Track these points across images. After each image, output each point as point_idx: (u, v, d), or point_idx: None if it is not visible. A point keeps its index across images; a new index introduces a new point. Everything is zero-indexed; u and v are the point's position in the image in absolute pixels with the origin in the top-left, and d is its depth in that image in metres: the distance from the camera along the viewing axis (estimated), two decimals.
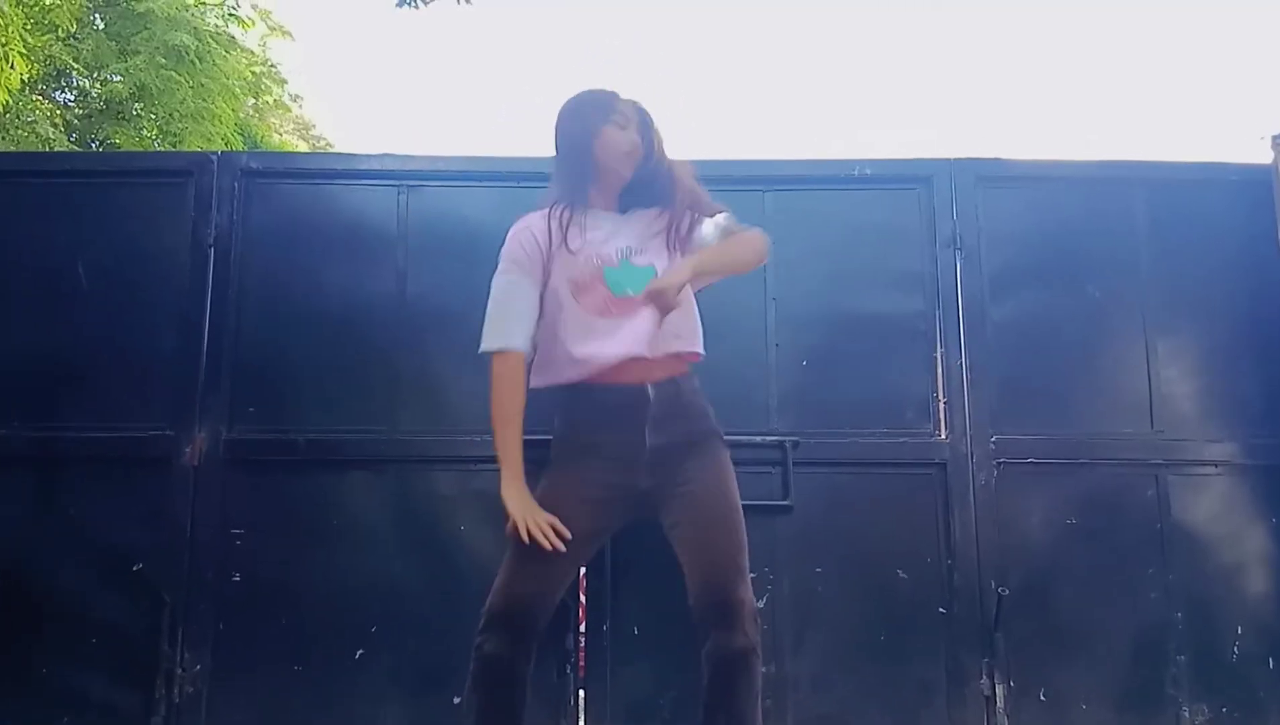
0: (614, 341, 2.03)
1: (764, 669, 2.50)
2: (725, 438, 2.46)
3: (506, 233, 2.19)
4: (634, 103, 2.15)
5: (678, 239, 2.16)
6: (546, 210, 2.13)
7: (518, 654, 1.99)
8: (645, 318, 2.03)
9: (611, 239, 2.10)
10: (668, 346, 2.08)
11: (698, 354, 2.18)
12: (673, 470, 2.01)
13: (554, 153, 2.17)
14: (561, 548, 1.98)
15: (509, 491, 2.04)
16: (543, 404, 2.16)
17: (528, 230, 2.12)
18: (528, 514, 1.99)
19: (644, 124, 2.12)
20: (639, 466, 2.02)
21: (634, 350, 2.02)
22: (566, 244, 2.07)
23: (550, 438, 2.15)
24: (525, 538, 1.97)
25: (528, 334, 2.09)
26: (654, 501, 2.05)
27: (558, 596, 2.06)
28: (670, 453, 2.03)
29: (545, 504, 2.02)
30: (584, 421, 2.06)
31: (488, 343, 2.09)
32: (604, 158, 2.09)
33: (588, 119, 2.11)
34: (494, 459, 2.54)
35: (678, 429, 2.05)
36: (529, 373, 2.11)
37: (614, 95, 2.14)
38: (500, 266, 2.12)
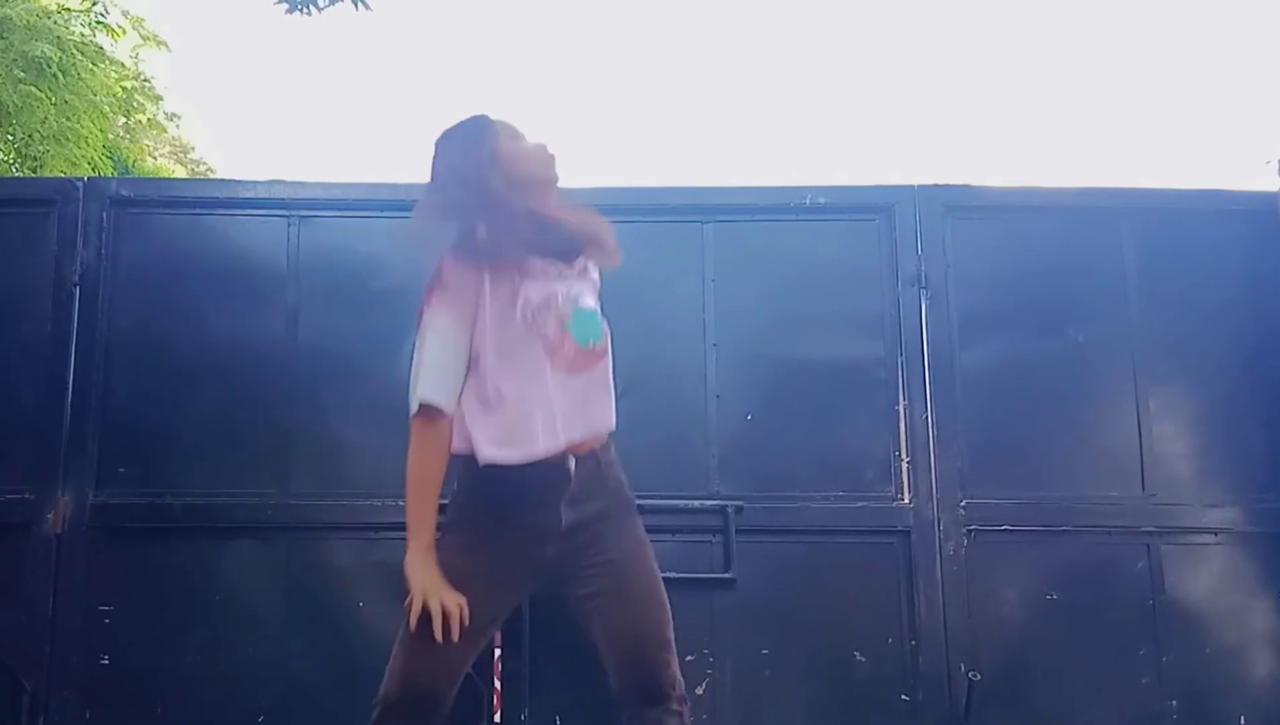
0: (598, 409, 1.92)
1: None
2: (659, 500, 2.39)
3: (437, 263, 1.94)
4: (508, 121, 2.01)
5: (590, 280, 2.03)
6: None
7: None
8: (605, 373, 1.94)
9: (555, 283, 1.92)
10: (606, 423, 1.97)
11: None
12: (585, 542, 1.90)
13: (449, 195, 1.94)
14: (456, 635, 1.81)
15: (416, 563, 1.85)
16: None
17: (479, 273, 1.87)
18: (436, 592, 1.81)
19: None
20: (550, 541, 1.89)
21: (609, 422, 1.95)
22: (528, 293, 1.86)
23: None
24: (435, 617, 1.79)
25: (458, 393, 1.88)
26: (562, 574, 1.91)
27: (457, 683, 1.89)
28: (584, 526, 1.91)
29: (453, 571, 1.85)
30: (499, 496, 1.88)
31: (424, 393, 1.84)
32: (521, 176, 1.92)
33: (479, 153, 1.91)
34: (397, 526, 2.41)
35: (594, 504, 1.92)
36: (483, 445, 1.87)
37: (484, 117, 1.97)
38: (434, 303, 1.86)
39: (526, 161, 1.92)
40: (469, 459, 1.91)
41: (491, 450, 1.85)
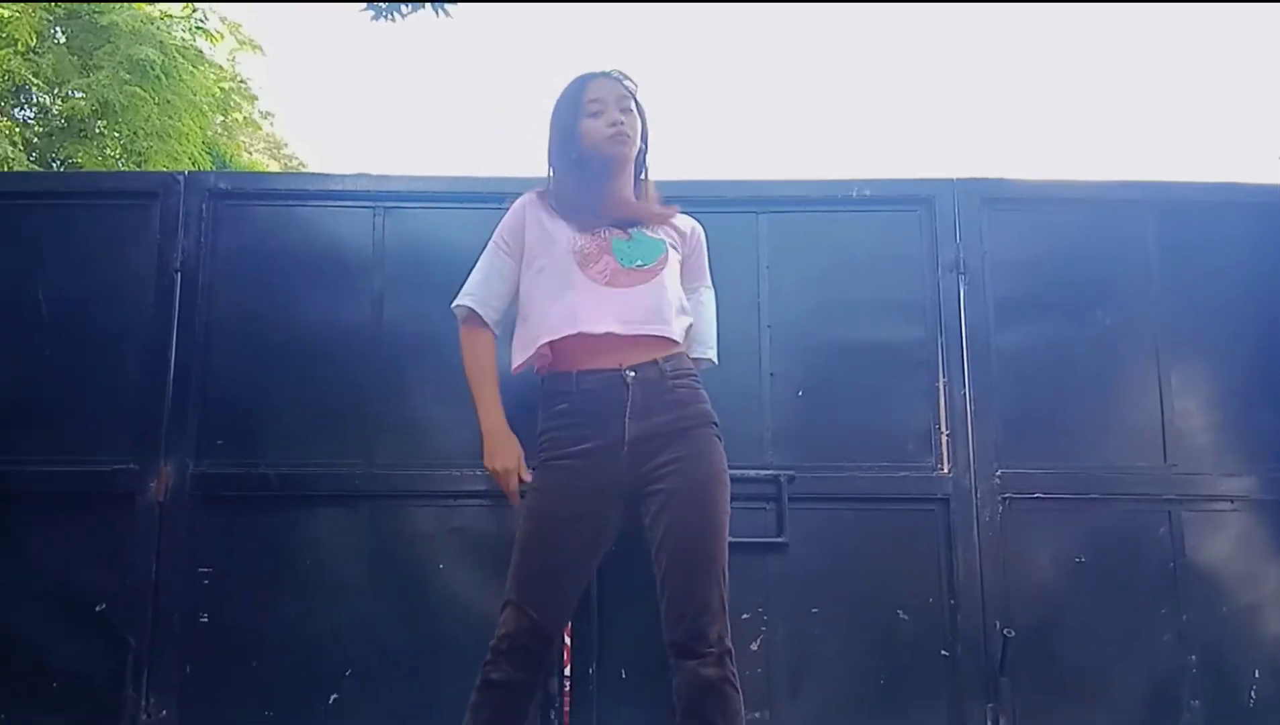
0: (645, 310, 1.98)
1: (757, 715, 2.45)
2: None
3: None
4: (608, 78, 2.12)
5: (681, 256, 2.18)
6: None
7: (531, 684, 1.94)
8: (657, 286, 1.99)
9: (621, 212, 2.07)
10: (653, 326, 2.01)
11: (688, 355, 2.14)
12: (653, 461, 1.94)
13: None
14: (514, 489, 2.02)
15: (486, 446, 2.05)
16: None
17: (522, 207, 2.13)
18: (509, 474, 2.04)
19: (624, 96, 2.09)
20: (619, 462, 1.93)
21: (661, 322, 1.98)
22: (567, 221, 2.06)
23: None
24: (513, 495, 2.02)
25: (495, 306, 2.11)
26: (636, 495, 1.97)
27: (570, 615, 2.00)
28: (652, 441, 1.94)
29: (541, 512, 1.96)
30: (562, 413, 1.97)
31: (469, 300, 2.11)
32: (592, 150, 2.07)
33: (563, 121, 2.11)
34: (474, 493, 2.53)
35: (661, 417, 1.95)
36: (514, 355, 2.09)
37: (583, 81, 2.11)
38: (496, 234, 2.15)
39: (593, 137, 2.05)
40: (544, 381, 2.04)
41: (517, 356, 2.01)
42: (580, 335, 1.94)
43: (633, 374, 1.94)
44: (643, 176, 2.18)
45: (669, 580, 1.92)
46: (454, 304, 2.13)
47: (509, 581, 1.93)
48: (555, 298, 1.97)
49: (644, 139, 2.15)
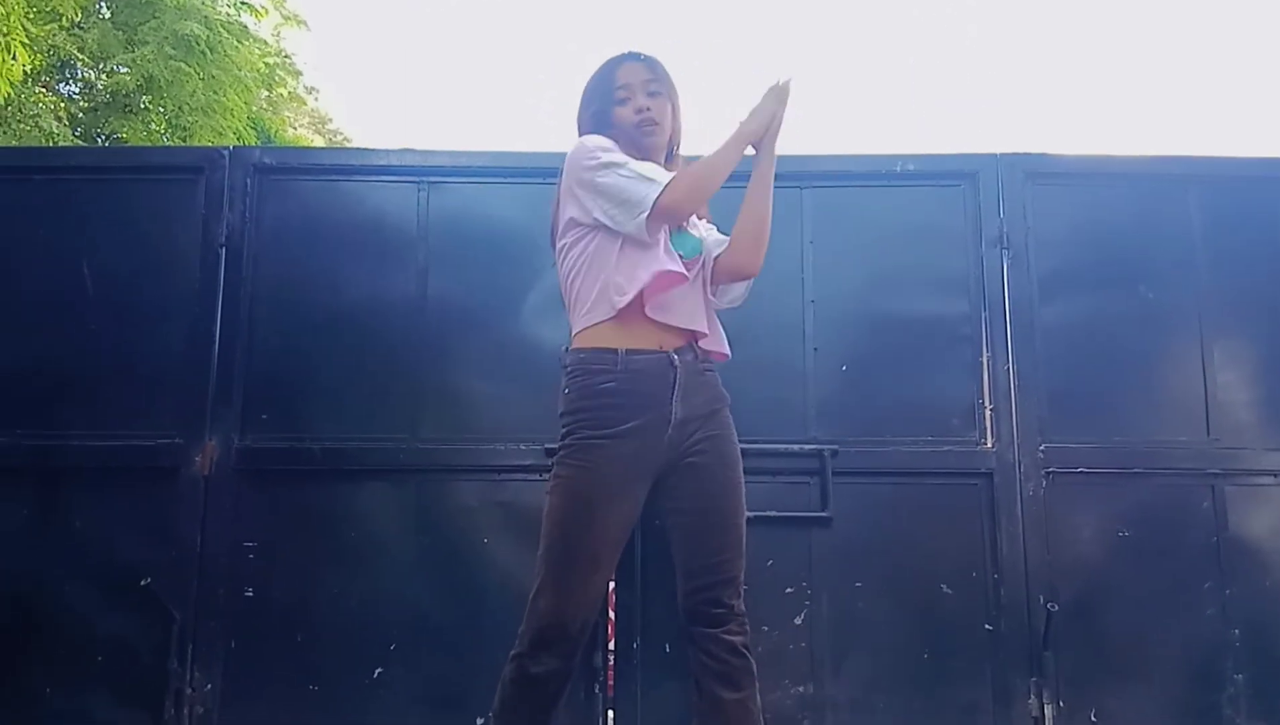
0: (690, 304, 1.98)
1: (800, 690, 2.49)
2: (762, 444, 2.48)
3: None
4: (634, 61, 2.03)
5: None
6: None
7: (573, 669, 1.91)
8: (698, 284, 2.01)
9: None
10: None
11: (722, 355, 2.10)
12: (690, 439, 1.94)
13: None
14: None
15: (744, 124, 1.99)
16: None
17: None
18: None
19: (650, 80, 2.01)
20: (663, 441, 1.91)
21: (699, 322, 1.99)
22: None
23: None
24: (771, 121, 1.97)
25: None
26: (667, 471, 1.95)
27: (604, 598, 2.00)
28: (692, 422, 1.94)
29: (586, 492, 1.87)
30: (610, 389, 1.89)
31: (653, 195, 1.88)
32: (625, 139, 1.99)
33: (594, 109, 2.03)
34: (519, 468, 2.55)
35: (699, 399, 1.95)
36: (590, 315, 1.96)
37: (612, 66, 2.04)
38: (610, 158, 1.92)
39: (623, 125, 1.98)
40: (581, 358, 1.92)
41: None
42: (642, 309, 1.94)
43: (677, 357, 1.95)
44: (671, 163, 2.06)
45: (696, 550, 1.93)
46: (655, 197, 1.88)
47: (547, 568, 1.87)
48: (643, 257, 1.92)
49: (675, 122, 2.05)
